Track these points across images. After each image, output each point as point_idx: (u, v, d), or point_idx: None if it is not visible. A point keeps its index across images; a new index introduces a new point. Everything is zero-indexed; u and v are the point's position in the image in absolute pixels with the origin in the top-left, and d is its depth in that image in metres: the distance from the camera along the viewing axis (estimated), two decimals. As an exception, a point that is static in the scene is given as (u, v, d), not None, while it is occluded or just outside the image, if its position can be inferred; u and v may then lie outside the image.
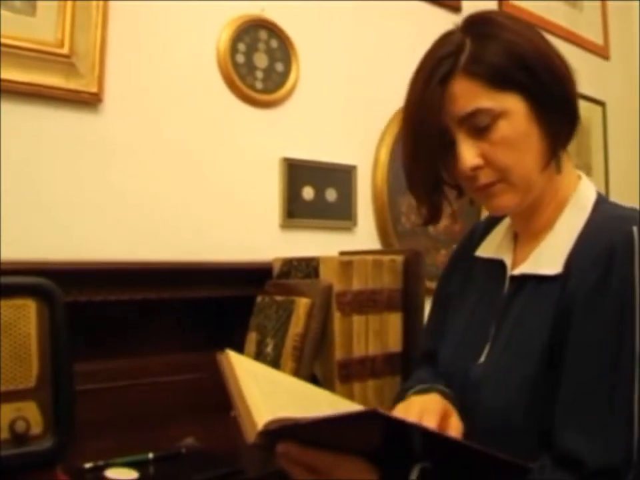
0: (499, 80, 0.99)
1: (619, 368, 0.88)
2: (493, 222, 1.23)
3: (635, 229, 0.91)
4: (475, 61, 1.00)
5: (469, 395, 1.08)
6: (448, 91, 1.02)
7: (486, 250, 1.19)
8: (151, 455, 1.20)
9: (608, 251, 0.91)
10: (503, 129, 1.00)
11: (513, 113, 1.00)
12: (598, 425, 0.88)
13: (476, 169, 1.02)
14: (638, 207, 1.02)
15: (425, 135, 1.04)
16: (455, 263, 1.29)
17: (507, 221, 1.19)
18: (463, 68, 1.00)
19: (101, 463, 1.14)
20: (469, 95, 1.00)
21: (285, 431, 0.93)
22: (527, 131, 1.01)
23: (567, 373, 0.93)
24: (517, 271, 1.07)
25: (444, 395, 1.13)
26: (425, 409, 1.04)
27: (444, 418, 1.04)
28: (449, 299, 1.25)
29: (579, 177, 1.09)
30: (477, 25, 1.05)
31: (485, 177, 1.03)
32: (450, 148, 1.04)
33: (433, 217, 1.13)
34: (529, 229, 1.11)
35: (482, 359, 1.07)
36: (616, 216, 0.98)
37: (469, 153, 1.01)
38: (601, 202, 1.05)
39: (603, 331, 0.90)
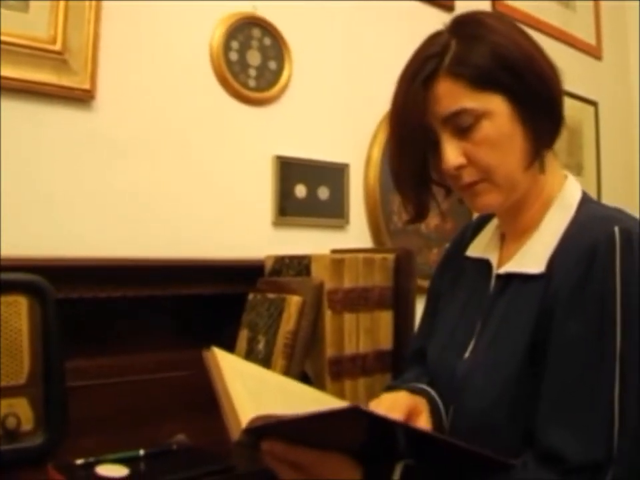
0: (483, 81, 1.00)
1: (601, 366, 0.89)
2: (483, 222, 1.24)
3: (616, 228, 0.92)
4: (459, 62, 1.01)
5: (453, 392, 1.09)
6: (432, 91, 1.03)
7: (475, 249, 1.20)
8: (141, 452, 1.20)
9: (590, 251, 0.92)
10: (485, 129, 1.01)
11: (496, 113, 1.01)
12: (579, 422, 0.89)
13: (459, 168, 1.03)
14: (622, 207, 1.03)
15: (409, 134, 1.06)
16: (446, 263, 1.30)
17: (495, 221, 1.20)
18: (446, 69, 1.02)
19: (91, 459, 1.14)
20: (452, 96, 1.02)
21: (269, 429, 0.93)
22: (509, 132, 1.02)
23: (549, 371, 0.94)
24: (502, 270, 1.09)
25: (422, 393, 1.14)
26: (392, 406, 1.05)
27: (412, 415, 1.06)
28: (439, 298, 1.26)
29: (565, 177, 1.10)
30: (464, 25, 1.06)
31: (468, 176, 1.04)
32: (435, 147, 1.05)
33: (419, 214, 1.14)
34: (514, 229, 1.12)
35: (466, 355, 1.08)
36: (599, 216, 0.99)
37: (452, 153, 1.03)
38: (586, 202, 1.05)
39: (584, 329, 0.91)
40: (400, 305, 1.56)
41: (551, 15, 3.03)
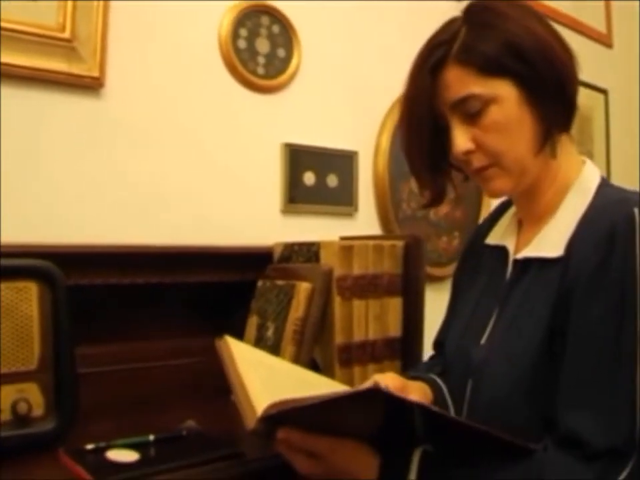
0: (491, 67, 1.02)
1: (621, 350, 0.89)
2: (503, 209, 1.25)
3: (635, 210, 0.92)
4: (467, 49, 1.03)
5: (471, 378, 1.09)
6: (441, 78, 1.05)
7: (493, 237, 1.21)
8: (151, 437, 1.20)
9: (609, 234, 0.92)
10: (493, 114, 1.02)
11: (504, 98, 1.02)
12: (601, 407, 0.89)
13: (468, 153, 1.05)
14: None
15: (417, 120, 1.08)
16: (467, 253, 1.32)
17: (513, 208, 1.21)
18: (455, 56, 1.04)
19: (102, 444, 1.15)
20: (460, 82, 1.03)
21: (286, 416, 0.93)
22: (518, 116, 1.03)
23: (569, 356, 0.93)
24: (520, 255, 1.09)
25: (429, 382, 1.17)
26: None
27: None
28: (460, 288, 1.28)
29: (584, 162, 1.10)
30: (476, 13, 1.07)
31: (477, 161, 1.06)
32: (447, 133, 1.07)
33: (435, 199, 1.16)
34: (531, 214, 1.12)
35: (483, 341, 1.08)
36: (618, 199, 0.98)
37: (461, 138, 1.04)
38: (604, 186, 1.05)
39: (604, 313, 0.91)
40: (409, 292, 1.56)
41: (561, 2, 3.01)
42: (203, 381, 1.59)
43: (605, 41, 3.30)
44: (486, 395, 1.04)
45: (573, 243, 0.98)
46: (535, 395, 0.98)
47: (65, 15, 1.56)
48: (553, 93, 1.02)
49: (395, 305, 1.54)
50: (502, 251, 1.15)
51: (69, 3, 1.56)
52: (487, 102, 1.02)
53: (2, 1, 1.47)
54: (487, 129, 1.03)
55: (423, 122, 1.08)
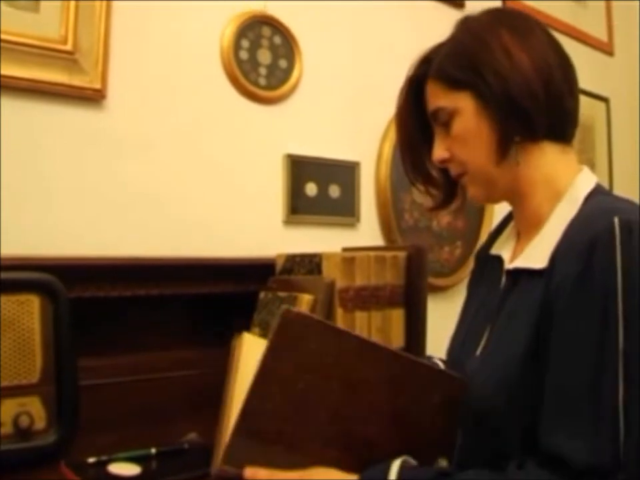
0: (451, 80, 1.08)
1: (604, 365, 0.87)
2: (509, 219, 1.25)
3: (616, 219, 0.90)
4: (440, 68, 1.11)
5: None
6: (426, 92, 1.15)
7: (495, 248, 1.22)
8: (153, 450, 1.20)
9: (590, 243, 0.90)
10: (456, 125, 1.09)
11: (464, 110, 1.08)
12: (584, 425, 0.87)
13: (444, 161, 1.13)
14: (633, 199, 1.02)
15: (405, 131, 1.20)
16: (476, 263, 1.33)
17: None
18: (432, 72, 1.12)
19: (104, 457, 1.14)
20: (433, 96, 1.13)
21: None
22: (476, 128, 1.07)
23: (552, 370, 0.93)
24: (510, 266, 1.09)
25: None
26: None
27: None
28: (468, 298, 1.29)
29: (580, 170, 1.09)
30: (456, 28, 1.14)
31: (453, 169, 1.13)
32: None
33: (445, 200, 1.24)
34: (524, 224, 1.13)
35: (477, 352, 1.09)
36: (603, 208, 0.97)
37: (438, 147, 1.13)
38: (596, 194, 1.04)
39: (586, 326, 0.89)
40: (412, 303, 1.56)
41: (562, 11, 3.02)
42: (205, 393, 1.58)
43: (606, 49, 3.31)
44: (474, 405, 1.04)
45: (556, 254, 0.97)
46: (519, 407, 0.97)
47: (67, 27, 1.56)
48: (502, 105, 1.04)
49: (397, 316, 1.54)
50: (499, 261, 1.16)
51: (71, 15, 1.57)
52: (451, 114, 1.09)
53: (3, 14, 1.47)
54: (454, 140, 1.10)
55: (412, 132, 1.19)
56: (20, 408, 1.14)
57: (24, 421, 1.13)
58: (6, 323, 1.14)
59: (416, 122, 1.19)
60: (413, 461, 1.00)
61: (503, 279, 1.11)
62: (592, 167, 3.11)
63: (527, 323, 0.98)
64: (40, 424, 1.15)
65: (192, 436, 1.29)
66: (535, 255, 1.03)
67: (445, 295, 2.30)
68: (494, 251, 1.21)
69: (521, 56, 1.04)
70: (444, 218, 2.35)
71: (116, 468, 1.12)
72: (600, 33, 3.28)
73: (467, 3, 2.51)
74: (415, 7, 2.36)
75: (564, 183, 1.06)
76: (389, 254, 1.55)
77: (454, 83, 1.08)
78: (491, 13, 1.14)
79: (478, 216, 2.45)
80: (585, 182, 1.06)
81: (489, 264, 1.21)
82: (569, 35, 3.03)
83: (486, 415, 1.01)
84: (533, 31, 1.09)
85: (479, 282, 1.24)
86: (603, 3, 3.31)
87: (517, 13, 1.15)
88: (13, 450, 1.11)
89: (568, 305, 0.91)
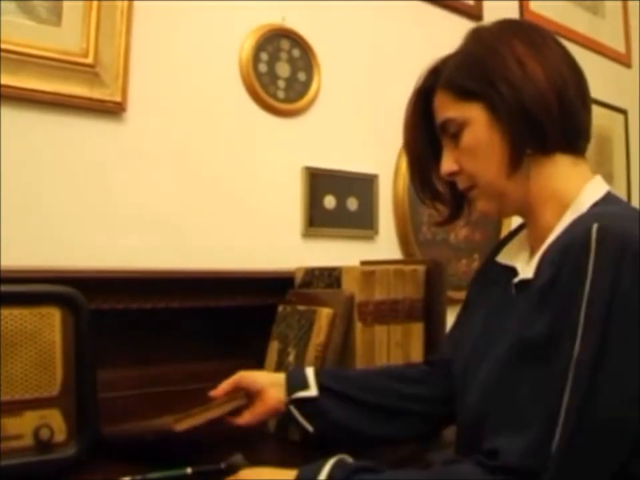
0: (462, 91, 1.07)
1: (554, 370, 0.85)
2: (519, 229, 1.23)
3: (594, 226, 0.86)
4: (450, 79, 1.09)
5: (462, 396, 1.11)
6: (434, 103, 1.13)
7: (503, 256, 1.20)
8: (189, 470, 1.18)
9: (564, 250, 0.88)
10: (467, 137, 1.07)
11: (475, 122, 1.06)
12: (523, 424, 0.86)
13: (453, 174, 1.11)
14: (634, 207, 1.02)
15: (413, 144, 1.19)
16: (481, 269, 1.31)
17: (526, 230, 1.20)
18: (441, 84, 1.11)
19: (138, 477, 1.13)
20: (442, 107, 1.11)
21: None
22: (488, 139, 1.05)
23: (504, 379, 0.94)
24: (516, 279, 1.09)
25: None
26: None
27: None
28: (471, 304, 1.27)
29: (590, 179, 1.07)
30: (467, 38, 1.13)
31: (461, 183, 1.12)
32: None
33: (451, 216, 1.24)
34: (535, 237, 1.11)
35: (478, 365, 1.09)
36: (591, 214, 0.95)
37: (447, 159, 1.11)
38: (602, 203, 1.02)
39: (547, 330, 0.87)
40: (431, 317, 1.55)
41: (579, 22, 3.01)
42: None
43: (623, 60, 3.30)
44: (465, 407, 1.07)
45: (540, 262, 0.95)
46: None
47: (89, 41, 1.58)
48: (516, 117, 1.02)
49: (416, 330, 1.53)
50: (511, 272, 1.14)
51: (92, 29, 1.58)
52: (461, 125, 1.07)
53: (26, 28, 1.49)
54: (463, 152, 1.08)
55: (420, 143, 1.18)
56: (40, 420, 1.13)
57: (44, 434, 1.12)
58: (27, 335, 1.14)
59: (424, 135, 1.17)
60: (349, 459, 0.98)
61: (513, 291, 1.10)
62: (610, 178, 3.10)
63: (511, 331, 0.98)
64: (60, 436, 1.15)
65: (238, 457, 1.25)
66: (533, 265, 1.02)
67: (462, 307, 2.29)
68: (503, 259, 1.19)
69: (535, 67, 1.03)
70: (461, 231, 2.34)
71: None
72: (618, 45, 3.27)
73: (485, 16, 2.51)
74: (433, 20, 2.36)
75: (571, 194, 1.05)
76: (408, 268, 1.54)
77: (465, 94, 1.06)
78: (502, 24, 1.12)
79: (495, 228, 2.44)
80: (592, 191, 1.04)
81: (497, 272, 1.19)
82: (586, 46, 3.03)
83: (473, 426, 1.02)
84: (545, 42, 1.08)
85: (487, 290, 1.21)
86: (620, 15, 3.31)
87: (529, 24, 1.14)
88: (33, 462, 1.11)
89: (533, 309, 0.90)
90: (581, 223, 0.92)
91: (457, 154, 1.09)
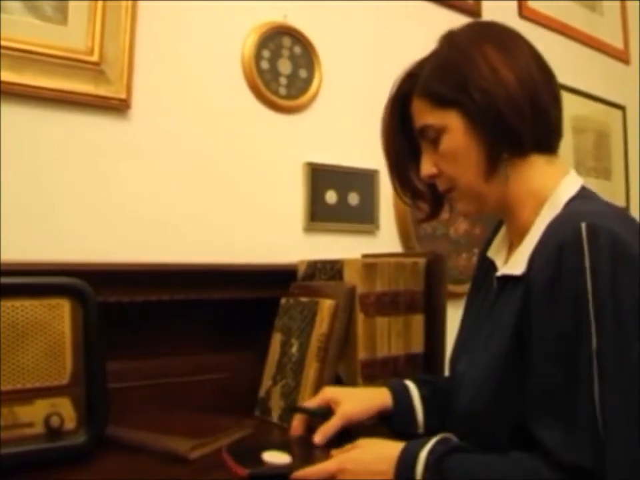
0: (438, 98, 1.11)
1: (579, 366, 0.89)
2: (501, 223, 1.28)
3: (583, 225, 0.91)
4: (426, 85, 1.13)
5: (453, 392, 1.15)
6: (411, 107, 1.18)
7: (491, 251, 1.25)
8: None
9: (558, 249, 0.93)
10: (445, 142, 1.11)
11: (452, 128, 1.10)
12: (564, 425, 0.89)
13: (432, 176, 1.15)
14: (612, 202, 1.05)
15: (392, 147, 1.25)
16: (478, 263, 1.35)
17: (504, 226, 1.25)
18: (417, 89, 1.15)
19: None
20: (419, 113, 1.15)
21: None
22: (465, 145, 1.09)
23: (532, 375, 0.96)
24: (498, 273, 1.13)
25: (396, 387, 1.30)
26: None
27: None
28: (468, 303, 1.33)
29: (566, 174, 1.11)
30: (440, 43, 1.18)
31: (441, 184, 1.16)
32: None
33: (432, 212, 1.28)
34: (514, 232, 1.16)
35: (466, 358, 1.14)
36: (575, 212, 0.99)
37: (426, 163, 1.15)
38: (578, 198, 1.06)
39: (560, 328, 0.91)
40: (431, 309, 1.58)
41: (577, 19, 3.03)
42: (229, 398, 1.61)
43: (622, 57, 3.31)
44: (460, 405, 1.09)
45: (531, 260, 1.00)
46: (504, 406, 1.00)
47: (94, 39, 1.60)
48: (492, 123, 1.06)
49: (417, 322, 1.56)
50: (493, 267, 1.20)
51: (98, 28, 1.61)
52: (439, 131, 1.11)
53: (33, 26, 1.51)
54: (442, 156, 1.13)
55: (398, 147, 1.24)
56: (51, 408, 1.16)
57: (55, 421, 1.15)
58: (38, 326, 1.17)
59: (402, 138, 1.22)
60: (453, 438, 1.05)
61: (495, 285, 1.14)
62: (608, 174, 3.13)
63: (509, 326, 1.01)
64: (70, 424, 1.18)
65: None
66: (518, 261, 1.06)
67: (462, 301, 2.29)
68: (490, 254, 1.24)
69: (507, 73, 1.07)
70: (461, 225, 2.37)
71: (270, 457, 1.13)
72: (616, 41, 3.28)
73: (484, 14, 2.53)
74: (432, 17, 2.38)
75: (547, 190, 1.09)
76: (408, 260, 1.57)
77: (441, 101, 1.10)
78: (474, 27, 1.17)
79: (495, 223, 2.46)
80: (567, 187, 1.08)
81: (487, 266, 1.24)
82: (585, 43, 3.05)
83: (473, 414, 1.05)
84: (516, 43, 1.12)
85: (478, 286, 1.27)
86: (618, 12, 3.32)
87: (499, 26, 1.17)
88: (44, 449, 1.14)
89: (542, 309, 0.94)
90: (567, 222, 0.96)
91: (436, 157, 1.14)
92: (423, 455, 0.98)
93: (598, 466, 0.85)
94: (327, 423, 1.22)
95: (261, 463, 1.10)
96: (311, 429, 1.27)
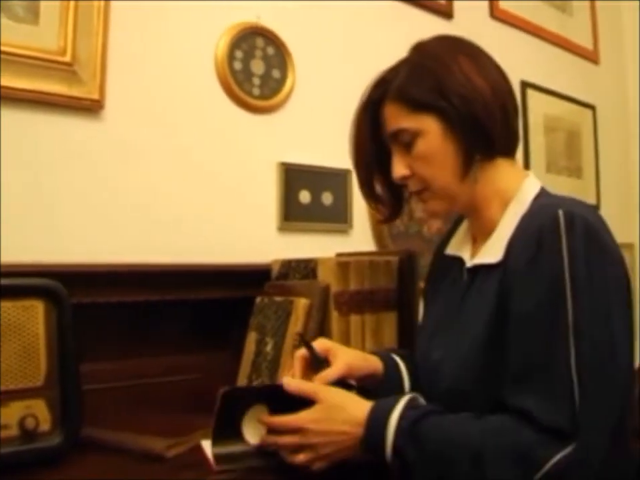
0: (415, 102, 1.15)
1: (556, 339, 0.97)
2: (458, 222, 1.36)
3: (560, 212, 1.01)
4: (401, 90, 1.17)
5: (430, 378, 1.19)
6: (382, 112, 1.21)
7: (451, 248, 1.32)
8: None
9: (538, 232, 1.02)
10: (420, 145, 1.15)
11: (429, 132, 1.14)
12: (543, 392, 0.96)
13: (404, 178, 1.19)
14: (575, 196, 1.12)
15: (362, 152, 1.28)
16: (434, 261, 1.41)
17: (466, 222, 1.31)
18: (391, 94, 1.18)
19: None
20: (393, 117, 1.18)
21: None
22: (441, 148, 1.14)
23: (512, 347, 1.02)
24: (469, 264, 1.20)
25: (385, 358, 1.32)
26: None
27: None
28: (428, 299, 1.39)
29: (526, 176, 1.20)
30: (413, 52, 1.22)
31: (413, 185, 1.20)
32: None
33: (392, 214, 1.34)
34: (480, 230, 1.23)
35: (441, 345, 1.19)
36: (548, 204, 1.07)
37: (398, 164, 1.19)
38: (541, 195, 1.15)
39: (538, 306, 0.99)
40: (404, 306, 1.60)
41: (548, 20, 3.07)
42: (202, 398, 1.61)
43: (591, 57, 3.36)
44: (442, 387, 1.14)
45: (509, 248, 1.08)
46: (485, 384, 1.06)
47: (66, 39, 1.60)
48: (469, 127, 1.12)
49: (390, 319, 1.58)
50: (459, 261, 1.26)
51: (70, 28, 1.60)
52: (415, 135, 1.15)
53: (4, 26, 1.50)
54: (417, 158, 1.17)
55: (366, 150, 1.27)
56: (26, 410, 1.16)
57: (30, 423, 1.15)
58: (11, 327, 1.16)
59: (372, 143, 1.26)
60: (421, 400, 1.09)
61: (465, 277, 1.21)
62: (579, 173, 3.17)
63: (487, 310, 1.08)
64: (45, 426, 1.18)
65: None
66: (491, 251, 1.14)
67: (436, 299, 2.33)
68: (451, 251, 1.31)
69: (480, 81, 1.14)
70: (434, 224, 2.39)
71: (248, 428, 1.15)
72: (586, 42, 3.33)
73: (456, 14, 2.55)
74: (405, 18, 2.40)
75: (511, 190, 1.17)
76: (382, 259, 1.59)
77: (417, 106, 1.15)
78: (444, 39, 1.22)
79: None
80: (530, 187, 1.17)
81: (447, 263, 1.31)
82: (555, 44, 3.09)
83: (455, 396, 1.10)
84: (484, 56, 1.20)
85: (439, 282, 1.32)
86: (588, 13, 3.37)
87: (467, 40, 1.23)
88: (19, 451, 1.14)
89: (522, 286, 1.02)
90: (545, 210, 1.05)
91: (409, 160, 1.18)
92: (394, 419, 1.03)
93: (575, 428, 0.93)
94: (328, 369, 1.19)
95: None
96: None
